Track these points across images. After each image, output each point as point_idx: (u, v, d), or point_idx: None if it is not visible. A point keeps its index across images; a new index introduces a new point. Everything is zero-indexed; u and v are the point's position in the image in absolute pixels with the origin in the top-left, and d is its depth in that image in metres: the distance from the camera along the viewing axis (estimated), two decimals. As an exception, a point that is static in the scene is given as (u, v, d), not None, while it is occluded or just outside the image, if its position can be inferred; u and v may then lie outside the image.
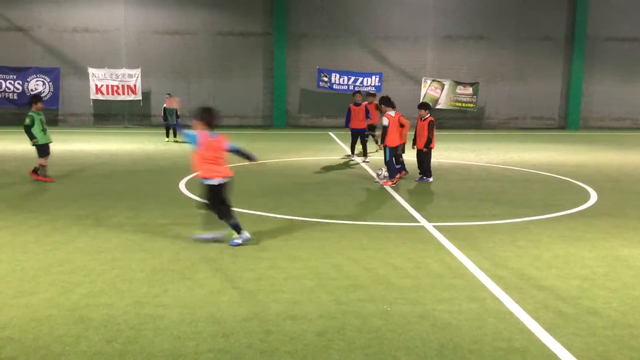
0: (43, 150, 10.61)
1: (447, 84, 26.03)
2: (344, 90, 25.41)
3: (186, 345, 4.06)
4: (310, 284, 5.32)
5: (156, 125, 18.81)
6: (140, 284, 5.25)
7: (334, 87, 25.59)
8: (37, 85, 24.39)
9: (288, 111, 26.25)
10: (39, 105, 10.56)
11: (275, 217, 7.97)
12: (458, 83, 26.11)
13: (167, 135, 18.95)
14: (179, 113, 18.95)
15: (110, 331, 4.25)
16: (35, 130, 10.41)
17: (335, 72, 25.60)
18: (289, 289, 5.16)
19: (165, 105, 19.36)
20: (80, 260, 5.94)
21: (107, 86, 24.79)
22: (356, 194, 10.00)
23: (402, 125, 10.83)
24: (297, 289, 5.17)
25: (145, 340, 4.11)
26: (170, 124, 18.77)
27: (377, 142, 14.90)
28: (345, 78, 25.66)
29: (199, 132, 6.35)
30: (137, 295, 4.97)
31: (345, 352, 3.98)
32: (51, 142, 10.84)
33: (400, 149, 11.11)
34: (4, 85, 24.33)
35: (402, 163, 11.47)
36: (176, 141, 18.41)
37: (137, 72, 24.85)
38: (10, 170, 12.24)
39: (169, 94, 20.71)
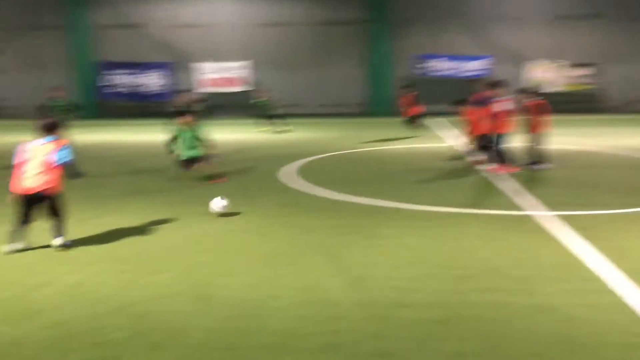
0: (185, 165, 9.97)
1: (559, 65, 24.68)
2: (448, 76, 24.82)
3: (299, 326, 4.17)
4: (422, 272, 5.27)
5: (256, 116, 19.35)
6: (257, 267, 5.45)
7: (436, 73, 25.06)
8: (153, 79, 25.83)
9: (388, 99, 26.05)
10: (187, 119, 9.91)
11: (384, 206, 7.95)
12: (570, 64, 24.68)
13: (265, 125, 19.31)
14: (271, 104, 19.49)
15: (229, 309, 4.45)
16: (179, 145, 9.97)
17: (438, 57, 25.05)
18: (401, 277, 5.14)
19: (256, 98, 19.87)
20: (203, 243, 6.26)
21: (215, 79, 25.79)
22: (462, 182, 9.77)
23: (507, 111, 10.41)
24: (408, 277, 5.14)
25: (261, 320, 4.26)
26: (267, 114, 19.31)
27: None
28: (450, 63, 25.05)
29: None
30: (254, 277, 5.16)
31: (459, 341, 3.92)
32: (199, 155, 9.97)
33: (502, 136, 10.65)
34: (122, 80, 25.99)
35: (503, 152, 10.93)
36: (276, 131, 18.79)
37: (243, 64, 25.66)
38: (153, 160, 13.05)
39: (257, 88, 21.45)
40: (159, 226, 6.96)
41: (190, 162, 9.95)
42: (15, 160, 5.83)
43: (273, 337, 3.99)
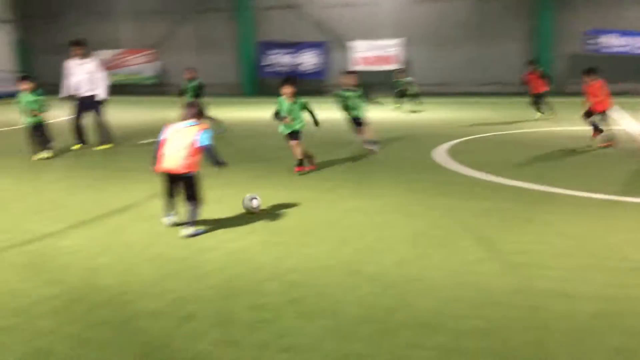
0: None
1: None
2: (622, 52, 22.63)
3: (449, 307, 4.13)
4: (583, 262, 4.95)
5: (396, 95, 19.22)
6: (404, 246, 5.47)
7: (608, 49, 22.95)
8: (308, 58, 26.65)
9: (554, 77, 24.40)
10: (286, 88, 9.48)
11: (540, 189, 7.55)
12: None
13: (402, 104, 19.12)
14: (405, 83, 19.16)
15: (378, 286, 4.53)
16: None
17: (609, 32, 22.89)
18: (559, 266, 4.87)
19: (397, 78, 19.60)
20: (354, 220, 6.42)
21: (369, 57, 25.94)
22: (619, 167, 8.91)
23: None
24: (567, 267, 4.85)
25: (409, 299, 4.29)
26: (405, 93, 19.10)
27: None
28: (625, 39, 22.80)
29: None
30: (401, 256, 5.19)
31: (623, 336, 3.64)
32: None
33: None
34: (281, 59, 27.11)
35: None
36: (413, 111, 18.51)
37: (397, 42, 25.52)
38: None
39: (399, 68, 21.46)
40: (313, 201, 7.24)
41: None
42: (159, 139, 6.06)
43: (422, 317, 4.00)
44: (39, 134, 10.56)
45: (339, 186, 8.02)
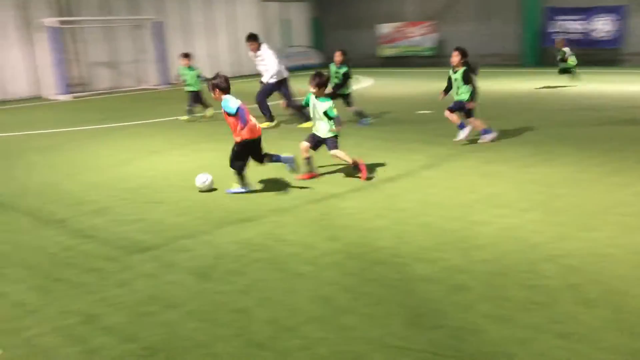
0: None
1: None
2: None
3: None
4: None
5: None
6: None
7: None
8: (601, 25, 23.98)
9: None
10: None
11: None
12: None
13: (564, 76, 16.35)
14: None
15: (677, 284, 3.97)
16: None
17: None
18: None
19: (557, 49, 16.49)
20: (638, 205, 5.72)
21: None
22: None
23: None
24: None
25: None
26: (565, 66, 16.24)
27: None
28: None
29: None
30: None
31: None
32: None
33: None
34: (570, 26, 24.90)
35: None
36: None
37: None
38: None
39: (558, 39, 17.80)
40: (590, 182, 6.61)
41: None
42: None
43: None
44: (195, 100, 13.31)
45: (625, 168, 7.16)
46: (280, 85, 12.02)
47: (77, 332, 3.72)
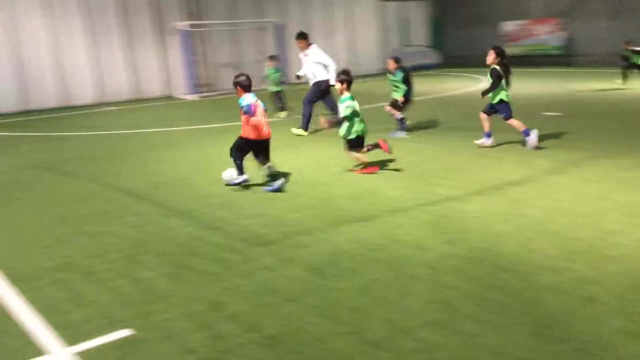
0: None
1: None
2: None
3: None
4: None
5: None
6: None
7: None
8: None
9: None
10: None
11: None
12: None
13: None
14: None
15: None
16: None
17: None
18: None
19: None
20: None
21: None
22: None
23: None
24: None
25: None
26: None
27: None
28: None
29: None
30: None
31: None
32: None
33: None
34: None
35: None
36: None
37: None
38: None
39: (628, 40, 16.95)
40: None
41: None
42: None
43: None
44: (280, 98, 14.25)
45: None
46: (327, 94, 11.48)
47: (204, 318, 3.93)
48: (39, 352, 3.60)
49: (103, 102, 21.46)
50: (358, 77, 26.63)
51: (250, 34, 25.42)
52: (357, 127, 7.78)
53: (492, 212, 5.86)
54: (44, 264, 5.15)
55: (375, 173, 7.74)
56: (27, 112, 19.55)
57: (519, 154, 8.54)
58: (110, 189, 7.88)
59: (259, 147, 7.31)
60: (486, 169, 7.74)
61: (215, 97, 21.87)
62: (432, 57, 30.45)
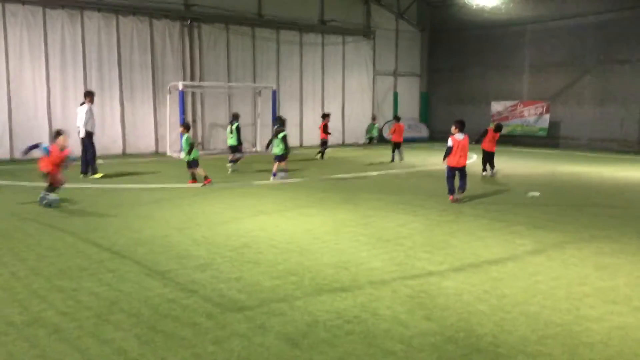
0: None
1: None
2: None
3: None
4: None
5: None
6: None
7: None
8: None
9: None
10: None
11: None
12: None
13: None
14: None
15: None
16: None
17: None
18: None
19: None
20: None
21: None
22: None
23: None
24: None
25: None
26: None
27: None
28: None
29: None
30: None
31: None
32: None
33: None
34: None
35: None
36: None
37: None
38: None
39: None
40: None
41: None
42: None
43: None
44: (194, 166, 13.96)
45: None
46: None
47: (170, 385, 3.81)
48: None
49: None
50: (347, 144, 26.99)
51: (244, 97, 25.89)
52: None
53: (471, 290, 5.84)
54: (15, 318, 5.03)
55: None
56: (14, 162, 19.50)
57: (502, 232, 8.60)
58: (90, 243, 7.79)
59: None
60: (468, 244, 7.77)
61: (206, 157, 21.99)
62: (422, 131, 31.24)
